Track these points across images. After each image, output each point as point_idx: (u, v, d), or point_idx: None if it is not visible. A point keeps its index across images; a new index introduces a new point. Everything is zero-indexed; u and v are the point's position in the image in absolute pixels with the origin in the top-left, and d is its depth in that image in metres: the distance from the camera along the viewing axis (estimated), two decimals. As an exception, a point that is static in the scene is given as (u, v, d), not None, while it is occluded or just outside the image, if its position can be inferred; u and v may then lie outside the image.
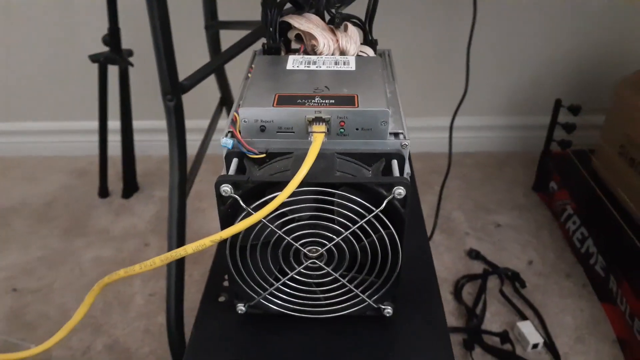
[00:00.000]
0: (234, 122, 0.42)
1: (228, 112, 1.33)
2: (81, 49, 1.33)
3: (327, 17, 0.53)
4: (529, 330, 1.01)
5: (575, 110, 1.29)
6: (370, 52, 0.53)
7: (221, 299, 0.49)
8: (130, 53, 1.31)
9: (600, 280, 1.10)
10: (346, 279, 0.43)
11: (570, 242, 1.23)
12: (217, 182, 0.39)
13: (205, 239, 0.38)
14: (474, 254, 1.22)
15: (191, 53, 1.34)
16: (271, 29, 0.50)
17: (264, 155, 0.42)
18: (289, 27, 0.51)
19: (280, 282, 0.44)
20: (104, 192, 1.45)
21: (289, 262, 0.43)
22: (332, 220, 0.40)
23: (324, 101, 0.42)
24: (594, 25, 1.42)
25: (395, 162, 0.42)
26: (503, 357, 0.99)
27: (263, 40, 0.52)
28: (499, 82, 1.51)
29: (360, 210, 0.39)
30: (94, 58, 1.27)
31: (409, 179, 0.43)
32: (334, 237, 0.41)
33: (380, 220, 0.40)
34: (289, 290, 0.45)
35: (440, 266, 1.20)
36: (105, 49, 1.27)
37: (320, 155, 0.40)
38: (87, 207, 1.42)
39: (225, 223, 0.40)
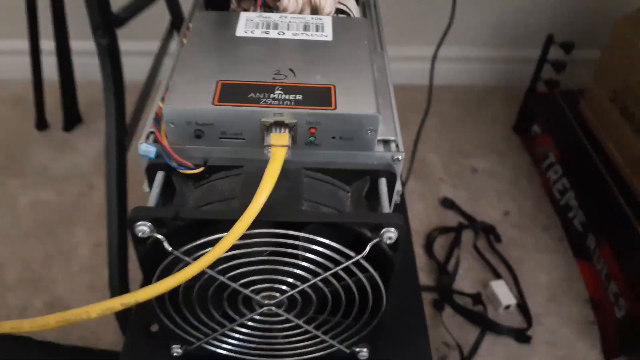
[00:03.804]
0: (157, 120, 0.29)
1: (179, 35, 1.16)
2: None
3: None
4: (501, 291, 0.97)
5: (567, 48, 1.17)
6: (352, 3, 0.39)
7: (154, 328, 0.39)
8: (60, -39, 1.09)
9: (577, 235, 1.05)
10: (313, 325, 0.34)
11: (549, 192, 1.16)
12: (130, 218, 0.27)
13: (115, 301, 0.27)
14: (448, 204, 1.14)
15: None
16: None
17: (201, 169, 0.30)
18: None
19: (226, 328, 0.34)
20: (41, 123, 1.29)
21: (237, 308, 0.33)
22: (296, 264, 0.30)
23: (287, 96, 0.29)
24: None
25: (383, 182, 0.31)
26: (474, 319, 0.95)
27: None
28: (486, 10, 1.36)
29: (335, 255, 0.29)
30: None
31: (398, 199, 0.32)
32: (298, 283, 0.30)
33: (361, 264, 0.29)
34: (238, 335, 0.35)
35: (412, 216, 1.13)
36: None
37: (282, 174, 0.28)
38: (23, 141, 1.26)
39: (147, 268, 0.29)
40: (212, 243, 0.26)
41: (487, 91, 1.46)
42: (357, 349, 0.36)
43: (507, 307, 0.96)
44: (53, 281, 0.99)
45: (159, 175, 0.30)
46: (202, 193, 0.30)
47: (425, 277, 1.02)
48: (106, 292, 0.98)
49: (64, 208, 1.12)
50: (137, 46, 1.10)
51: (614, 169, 1.03)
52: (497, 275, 1.01)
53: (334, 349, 0.35)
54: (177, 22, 1.12)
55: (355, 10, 0.39)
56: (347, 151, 0.30)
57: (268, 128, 0.29)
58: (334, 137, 0.30)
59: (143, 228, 0.27)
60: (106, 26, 0.68)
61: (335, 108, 0.29)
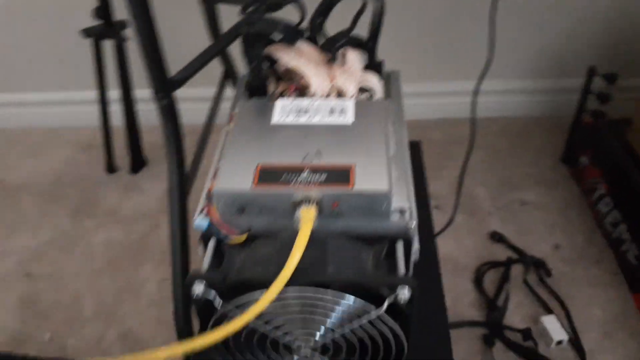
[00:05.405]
0: (209, 197, 0.36)
1: (234, 84, 1.25)
2: (76, 19, 1.24)
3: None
4: (553, 326, 0.96)
5: (611, 79, 1.17)
6: (374, 81, 0.44)
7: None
8: (124, 25, 1.22)
9: (632, 269, 1.04)
10: (345, 368, 0.38)
11: (600, 225, 1.15)
12: (188, 281, 0.33)
13: (178, 346, 0.33)
14: (497, 237, 1.15)
15: (190, 28, 1.24)
16: (255, 65, 0.41)
17: (245, 237, 0.36)
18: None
19: (270, 371, 0.39)
20: (111, 167, 1.41)
21: (280, 353, 0.38)
22: (326, 316, 0.35)
23: (313, 177, 0.35)
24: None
25: (400, 246, 0.36)
26: (525, 355, 0.95)
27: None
28: (525, 42, 1.37)
29: (358, 310, 0.33)
30: (86, 33, 1.18)
31: (417, 257, 0.37)
32: (328, 334, 0.35)
33: (383, 317, 0.34)
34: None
35: (461, 251, 1.14)
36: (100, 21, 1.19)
37: (311, 241, 0.33)
38: (95, 184, 1.39)
39: (202, 321, 0.35)
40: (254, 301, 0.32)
41: (532, 122, 1.46)
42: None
43: (559, 342, 0.95)
44: (124, 315, 1.08)
45: (211, 243, 0.37)
46: (245, 257, 0.36)
47: (475, 312, 1.03)
48: (172, 326, 1.06)
49: (132, 246, 1.21)
50: (195, 93, 1.19)
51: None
52: (549, 311, 1.01)
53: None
54: (229, 72, 1.21)
55: (378, 88, 0.44)
56: (366, 220, 0.35)
57: (298, 204, 0.34)
58: (354, 209, 0.35)
59: (199, 288, 0.33)
60: (164, 89, 0.76)
61: (353, 186, 0.34)
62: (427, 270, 0.49)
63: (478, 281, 1.07)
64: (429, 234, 0.57)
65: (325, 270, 0.33)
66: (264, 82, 0.43)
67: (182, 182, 0.84)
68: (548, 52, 1.38)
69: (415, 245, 0.37)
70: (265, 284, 0.32)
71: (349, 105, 0.41)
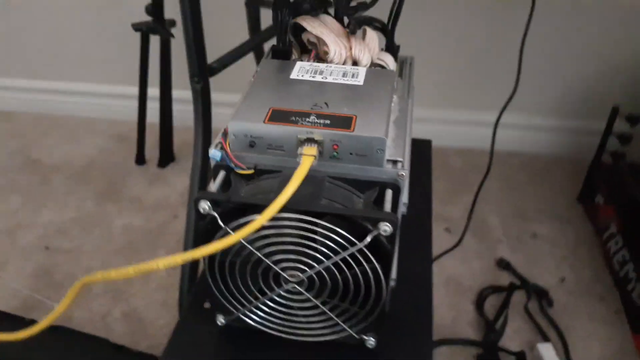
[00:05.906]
0: (225, 134, 0.40)
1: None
2: (127, 15, 1.33)
3: (347, 20, 0.49)
4: (548, 354, 0.96)
5: (633, 120, 1.19)
6: (390, 60, 0.49)
7: (207, 305, 0.48)
8: (172, 23, 1.30)
9: (635, 309, 1.03)
10: (327, 307, 0.41)
11: (609, 263, 1.15)
12: (196, 198, 0.37)
13: (177, 256, 0.36)
14: (503, 264, 1.16)
15: (231, 27, 1.31)
16: (281, 30, 0.47)
17: (252, 171, 0.40)
18: (304, 28, 0.48)
19: (259, 301, 0.42)
20: (140, 159, 1.48)
21: (269, 283, 0.42)
22: (315, 248, 0.38)
23: (318, 121, 0.39)
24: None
25: (389, 193, 0.39)
26: (518, 378, 0.95)
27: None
28: (553, 80, 1.41)
29: (344, 242, 0.37)
30: (136, 27, 1.27)
31: (404, 210, 0.41)
32: (316, 265, 0.39)
33: (365, 253, 0.37)
34: (268, 310, 0.43)
35: (466, 273, 1.16)
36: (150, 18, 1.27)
37: (309, 179, 0.37)
38: (123, 172, 1.45)
39: (203, 239, 0.39)
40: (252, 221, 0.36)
41: (553, 160, 1.48)
42: (365, 337, 0.43)
43: (553, 371, 0.95)
44: (132, 295, 1.12)
45: (221, 174, 0.41)
46: (250, 188, 0.40)
47: (472, 332, 1.04)
48: (175, 310, 1.10)
49: (150, 233, 1.27)
50: (228, 98, 1.25)
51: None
52: (546, 339, 1.01)
53: (345, 334, 0.43)
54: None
55: (392, 67, 0.49)
56: (362, 165, 0.39)
57: (302, 143, 0.39)
58: (351, 154, 0.39)
59: (204, 206, 0.37)
60: (201, 74, 0.82)
61: (353, 131, 0.39)
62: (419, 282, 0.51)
63: (479, 303, 1.08)
64: (426, 239, 0.59)
65: (319, 202, 0.37)
66: (289, 50, 0.48)
67: (206, 164, 0.89)
68: (573, 92, 1.41)
69: (404, 197, 0.40)
70: (264, 209, 0.35)
71: (362, 71, 0.45)
